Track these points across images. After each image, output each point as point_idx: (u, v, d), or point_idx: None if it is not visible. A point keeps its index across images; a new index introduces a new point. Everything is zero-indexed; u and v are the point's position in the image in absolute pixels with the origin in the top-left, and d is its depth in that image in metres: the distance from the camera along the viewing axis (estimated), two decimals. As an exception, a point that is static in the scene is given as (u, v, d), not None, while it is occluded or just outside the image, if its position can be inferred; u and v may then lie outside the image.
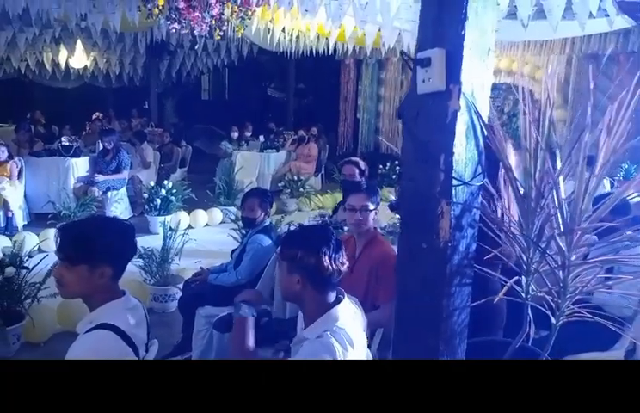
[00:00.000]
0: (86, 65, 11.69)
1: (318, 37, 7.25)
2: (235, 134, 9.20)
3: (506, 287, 1.24)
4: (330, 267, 1.51)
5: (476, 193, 1.21)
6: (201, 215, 6.81)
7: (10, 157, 6.29)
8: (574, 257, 1.26)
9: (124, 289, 1.76)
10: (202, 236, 6.04)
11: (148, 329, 1.84)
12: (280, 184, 7.98)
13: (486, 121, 1.19)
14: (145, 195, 6.39)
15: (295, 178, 7.94)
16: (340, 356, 1.47)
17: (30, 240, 5.15)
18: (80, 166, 6.68)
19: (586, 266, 1.28)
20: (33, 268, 3.64)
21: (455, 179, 1.11)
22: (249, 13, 5.64)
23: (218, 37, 6.26)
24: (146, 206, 6.32)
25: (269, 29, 6.64)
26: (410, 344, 1.25)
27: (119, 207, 6.61)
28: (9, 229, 5.79)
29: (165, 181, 6.46)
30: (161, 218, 5.93)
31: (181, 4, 4.79)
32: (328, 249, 1.53)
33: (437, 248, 1.15)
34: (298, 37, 7.11)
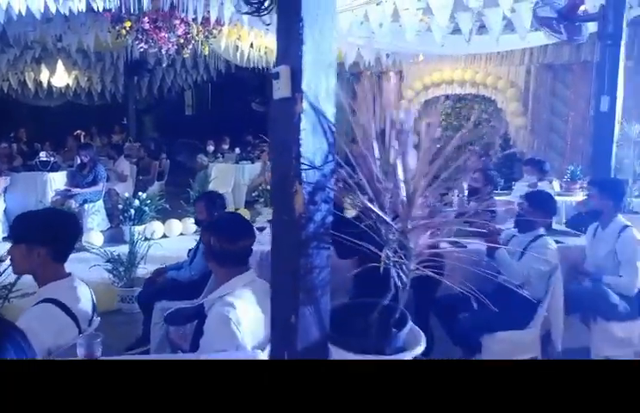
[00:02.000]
0: (68, 84, 12.01)
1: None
2: (211, 147, 9.54)
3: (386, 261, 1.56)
4: (224, 248, 1.91)
5: (329, 175, 1.55)
6: (175, 224, 7.12)
7: (-1, 173, 6.58)
8: (410, 226, 1.59)
9: (69, 272, 2.08)
10: (176, 244, 6.34)
11: (94, 307, 2.16)
12: (253, 194, 8.31)
13: (332, 120, 1.53)
14: (120, 206, 6.68)
15: (268, 188, 8.28)
16: (236, 311, 1.82)
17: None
18: (58, 180, 6.98)
19: (422, 231, 1.62)
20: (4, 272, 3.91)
21: (304, 164, 1.46)
22: (214, 32, 6.03)
23: (187, 55, 6.64)
24: (121, 217, 6.61)
25: (237, 46, 7.02)
26: (284, 296, 1.58)
27: (95, 219, 6.90)
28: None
29: (140, 193, 6.76)
30: (136, 228, 6.23)
31: (147, 25, 5.16)
32: (221, 235, 1.94)
33: (294, 219, 1.49)
34: (266, 53, 7.49)
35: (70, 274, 2.08)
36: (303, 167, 1.46)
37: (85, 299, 2.08)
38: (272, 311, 1.62)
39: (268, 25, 1.74)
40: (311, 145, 1.47)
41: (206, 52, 6.64)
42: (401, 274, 1.67)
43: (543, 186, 5.76)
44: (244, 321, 1.89)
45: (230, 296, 1.91)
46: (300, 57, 1.41)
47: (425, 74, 10.26)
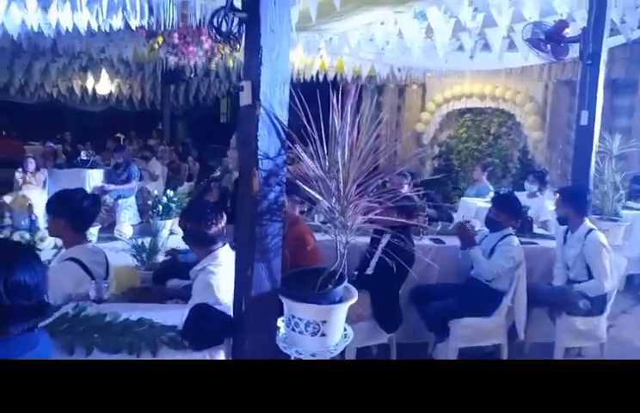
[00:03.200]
0: (111, 91, 12.94)
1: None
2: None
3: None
4: (201, 229, 2.42)
5: (281, 165, 2.01)
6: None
7: (38, 168, 7.37)
8: (350, 212, 2.02)
9: (90, 240, 2.62)
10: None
11: (107, 270, 2.69)
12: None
13: (285, 123, 1.99)
14: (150, 203, 7.33)
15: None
16: (215, 278, 2.31)
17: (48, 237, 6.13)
18: (96, 177, 7.71)
19: (355, 211, 2.05)
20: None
21: (260, 155, 1.92)
22: (237, 46, 6.57)
23: (214, 67, 7.24)
24: (150, 212, 7.25)
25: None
26: (244, 256, 2.04)
27: (127, 213, 7.57)
28: (32, 229, 6.80)
29: (168, 191, 7.39)
30: (161, 222, 6.84)
31: (177, 40, 5.76)
32: (196, 218, 2.45)
33: (252, 196, 1.95)
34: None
35: (90, 241, 2.62)
36: (259, 157, 1.92)
37: (100, 260, 2.61)
38: (235, 268, 2.09)
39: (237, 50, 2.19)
40: (267, 141, 1.94)
41: (231, 65, 7.23)
42: (340, 246, 2.10)
43: (543, 196, 6.06)
44: (222, 284, 2.38)
45: (211, 266, 2.41)
46: (259, 74, 1.88)
47: (446, 87, 10.58)
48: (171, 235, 5.45)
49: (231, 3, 1.99)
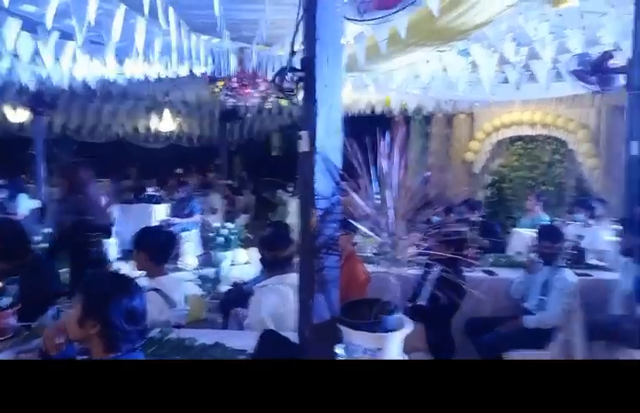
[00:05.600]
0: (172, 129, 13.78)
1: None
2: (290, 186, 10.56)
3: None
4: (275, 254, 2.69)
5: (336, 203, 2.26)
6: (256, 252, 8.09)
7: (108, 204, 8.02)
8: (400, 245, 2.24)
9: (167, 270, 2.96)
10: (255, 268, 7.27)
11: (185, 297, 3.01)
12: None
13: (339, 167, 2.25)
14: (211, 235, 7.77)
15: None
16: (267, 297, 2.59)
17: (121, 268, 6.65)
18: (160, 211, 8.28)
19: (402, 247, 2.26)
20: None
21: (317, 196, 2.19)
22: (295, 100, 7.01)
23: (269, 106, 7.68)
24: (211, 244, 7.68)
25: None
26: (305, 286, 2.29)
27: (191, 245, 8.05)
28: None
29: (227, 224, 7.81)
30: (223, 253, 7.24)
31: (235, 84, 6.22)
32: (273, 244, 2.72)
33: (311, 233, 2.21)
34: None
35: (167, 273, 2.95)
36: (316, 197, 2.19)
37: (177, 289, 2.94)
38: (298, 298, 2.34)
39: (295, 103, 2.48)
40: (323, 183, 2.21)
41: (284, 104, 7.66)
42: (392, 278, 2.32)
43: (593, 225, 6.00)
44: (272, 304, 2.65)
45: (269, 286, 2.69)
46: (315, 124, 2.16)
47: (494, 116, 10.58)
48: (232, 265, 5.83)
49: (291, 64, 2.29)
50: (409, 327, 2.27)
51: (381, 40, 3.91)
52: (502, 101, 8.43)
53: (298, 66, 2.25)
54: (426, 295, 3.69)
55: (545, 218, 6.87)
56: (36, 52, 4.27)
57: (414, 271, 3.35)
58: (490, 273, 4.25)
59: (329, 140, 2.21)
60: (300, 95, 2.33)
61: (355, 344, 2.19)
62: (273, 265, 2.79)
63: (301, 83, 2.31)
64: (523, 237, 6.42)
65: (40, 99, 8.39)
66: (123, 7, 3.36)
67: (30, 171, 9.37)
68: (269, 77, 5.75)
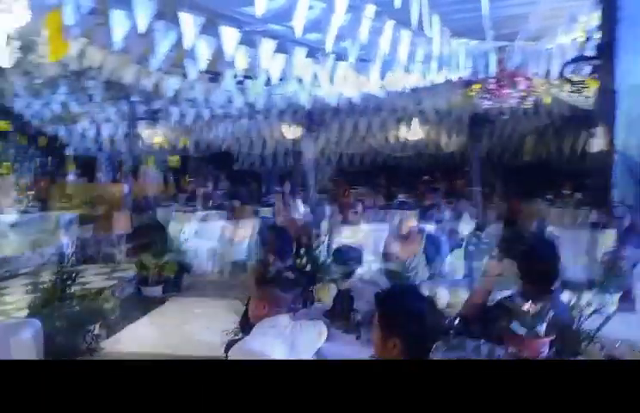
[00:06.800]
0: (420, 137, 14.05)
1: None
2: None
3: None
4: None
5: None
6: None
7: (364, 209, 8.63)
8: None
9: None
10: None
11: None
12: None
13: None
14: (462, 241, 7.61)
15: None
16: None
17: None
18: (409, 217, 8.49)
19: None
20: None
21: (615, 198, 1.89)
22: (556, 82, 6.33)
23: (528, 106, 7.15)
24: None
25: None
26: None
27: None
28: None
29: (477, 232, 7.55)
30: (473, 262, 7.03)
31: (492, 86, 5.97)
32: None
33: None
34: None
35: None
36: (615, 206, 1.89)
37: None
38: None
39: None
40: (624, 188, 1.90)
41: (548, 102, 6.96)
42: None
43: None
44: None
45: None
46: (613, 119, 1.88)
47: None
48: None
49: (582, 54, 2.04)
50: None
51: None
52: None
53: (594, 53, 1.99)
54: None
55: None
56: (314, 75, 4.89)
57: None
58: None
59: (632, 136, 1.89)
60: (593, 87, 2.07)
61: None
62: (534, 280, 2.49)
63: (594, 74, 2.04)
64: None
65: (311, 117, 9.59)
66: (392, 22, 3.55)
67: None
68: (529, 74, 5.33)
